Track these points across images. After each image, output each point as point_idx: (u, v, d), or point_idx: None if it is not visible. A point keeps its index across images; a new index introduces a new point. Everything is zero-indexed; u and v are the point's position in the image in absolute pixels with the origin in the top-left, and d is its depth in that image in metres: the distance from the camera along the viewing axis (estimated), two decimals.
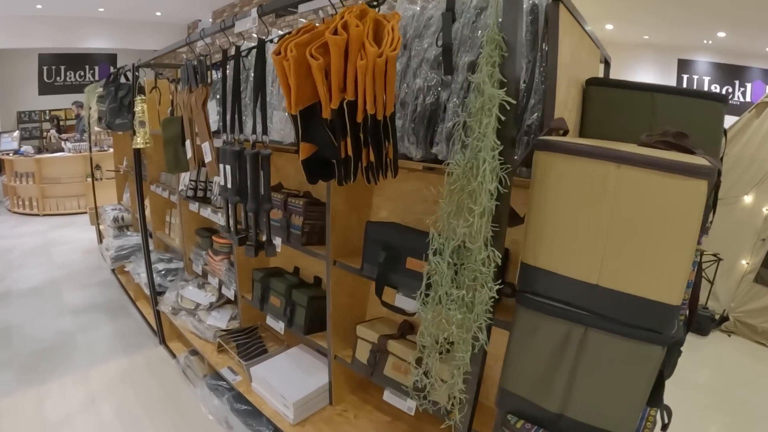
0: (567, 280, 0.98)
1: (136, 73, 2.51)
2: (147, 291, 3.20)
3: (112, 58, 9.47)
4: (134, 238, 4.10)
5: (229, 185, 1.48)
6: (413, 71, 1.27)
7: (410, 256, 1.42)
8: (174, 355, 2.92)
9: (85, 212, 6.01)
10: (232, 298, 2.59)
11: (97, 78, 9.37)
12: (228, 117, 1.58)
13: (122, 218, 4.50)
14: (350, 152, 1.04)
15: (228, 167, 1.46)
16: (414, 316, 1.48)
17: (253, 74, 1.85)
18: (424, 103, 1.23)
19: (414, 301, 1.38)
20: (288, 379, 2.01)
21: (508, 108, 0.91)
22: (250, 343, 2.42)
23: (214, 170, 1.64)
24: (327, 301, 1.88)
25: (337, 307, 1.88)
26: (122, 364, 2.84)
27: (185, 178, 2.86)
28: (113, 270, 4.25)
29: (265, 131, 1.41)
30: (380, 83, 0.97)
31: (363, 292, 2.04)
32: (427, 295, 1.09)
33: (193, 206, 2.82)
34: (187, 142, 1.81)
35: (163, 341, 3.10)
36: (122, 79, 2.95)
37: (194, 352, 2.77)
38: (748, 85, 8.82)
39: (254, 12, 1.43)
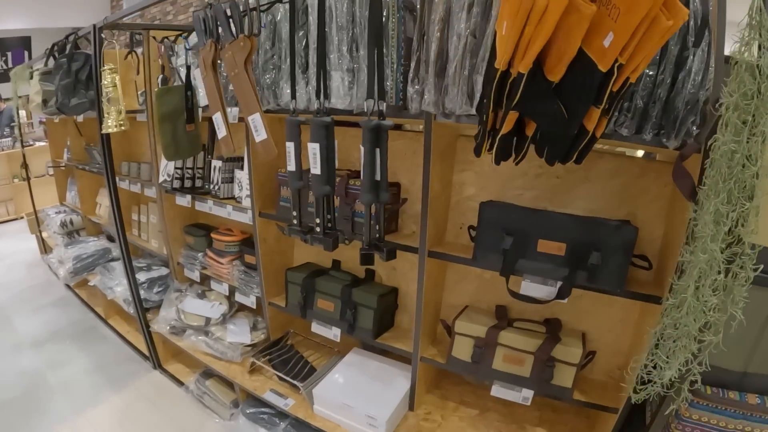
0: None
1: (102, 36, 1.91)
2: (128, 308, 2.63)
3: (25, 41, 8.15)
4: (92, 244, 3.43)
5: (317, 170, 1.06)
6: None
7: (542, 239, 1.28)
8: (180, 381, 2.42)
9: (15, 219, 5.11)
10: (252, 306, 2.14)
11: (10, 65, 8.05)
12: (303, 77, 1.15)
13: (71, 222, 3.79)
14: (591, 126, 0.85)
15: (316, 146, 1.04)
16: (548, 303, 1.31)
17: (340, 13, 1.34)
18: None
19: (545, 287, 1.29)
20: (363, 393, 1.68)
21: None
22: (288, 357, 2.00)
23: (271, 150, 1.19)
24: (417, 299, 1.55)
25: (427, 305, 1.53)
26: (116, 403, 2.30)
27: (168, 166, 2.32)
28: (68, 285, 3.57)
29: (381, 95, 1.01)
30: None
31: (441, 281, 1.72)
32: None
33: (182, 200, 2.30)
34: (217, 116, 1.31)
35: (158, 365, 2.58)
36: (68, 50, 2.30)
37: (207, 375, 2.30)
38: None
39: None
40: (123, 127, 2.02)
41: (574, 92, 0.81)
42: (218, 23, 1.22)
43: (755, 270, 0.90)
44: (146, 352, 2.59)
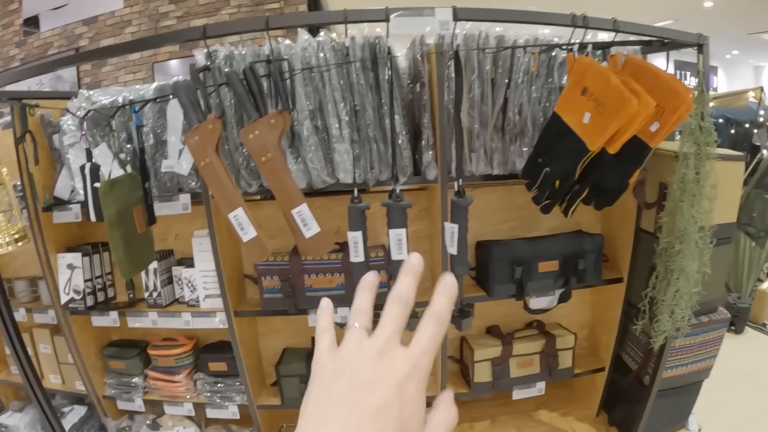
0: None
1: None
2: None
3: None
4: None
5: (403, 257, 0.97)
6: None
7: (541, 261, 1.56)
8: None
9: None
10: (234, 416, 1.82)
11: None
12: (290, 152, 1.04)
13: None
14: (633, 181, 1.23)
15: (401, 232, 0.98)
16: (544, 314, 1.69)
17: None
18: None
19: (547, 297, 1.65)
20: None
21: None
22: None
23: (327, 244, 1.01)
24: (443, 348, 1.60)
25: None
26: None
27: (74, 278, 1.85)
28: None
29: (460, 172, 1.05)
30: None
31: None
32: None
33: (104, 320, 1.87)
34: (238, 214, 1.02)
35: None
36: None
37: None
38: None
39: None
40: (20, 243, 1.54)
41: (627, 161, 1.16)
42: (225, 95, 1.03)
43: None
44: None
